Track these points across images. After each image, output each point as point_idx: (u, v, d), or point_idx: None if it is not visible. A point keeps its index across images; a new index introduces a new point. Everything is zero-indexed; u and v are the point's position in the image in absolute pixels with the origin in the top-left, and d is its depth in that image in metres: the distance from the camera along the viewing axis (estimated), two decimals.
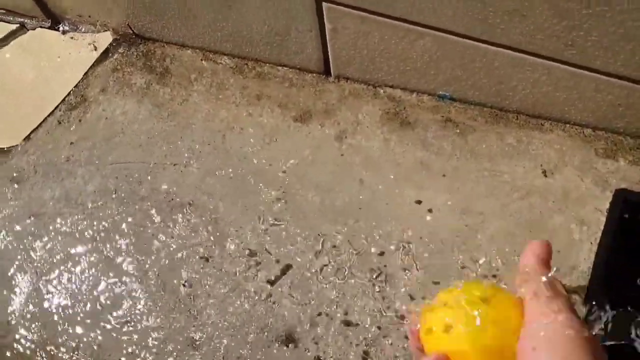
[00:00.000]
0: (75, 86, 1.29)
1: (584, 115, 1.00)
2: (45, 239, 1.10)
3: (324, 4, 0.98)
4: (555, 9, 0.81)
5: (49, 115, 1.27)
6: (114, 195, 1.13)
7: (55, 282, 1.05)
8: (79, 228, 1.10)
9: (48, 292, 1.04)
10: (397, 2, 0.92)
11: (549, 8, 0.81)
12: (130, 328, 0.98)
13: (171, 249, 1.04)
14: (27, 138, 1.25)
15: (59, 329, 1.00)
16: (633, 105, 0.93)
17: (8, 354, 0.99)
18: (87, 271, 1.05)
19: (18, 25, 1.42)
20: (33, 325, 1.01)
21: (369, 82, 1.13)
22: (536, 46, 0.90)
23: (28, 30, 1.41)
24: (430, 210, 1.00)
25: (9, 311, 1.03)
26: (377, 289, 0.94)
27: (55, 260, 1.07)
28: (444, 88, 1.07)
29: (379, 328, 0.91)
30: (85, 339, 0.98)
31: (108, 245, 1.07)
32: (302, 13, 1.02)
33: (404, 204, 1.01)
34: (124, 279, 1.03)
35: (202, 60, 1.26)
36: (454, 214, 0.99)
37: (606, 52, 0.85)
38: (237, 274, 1.00)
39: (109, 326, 0.99)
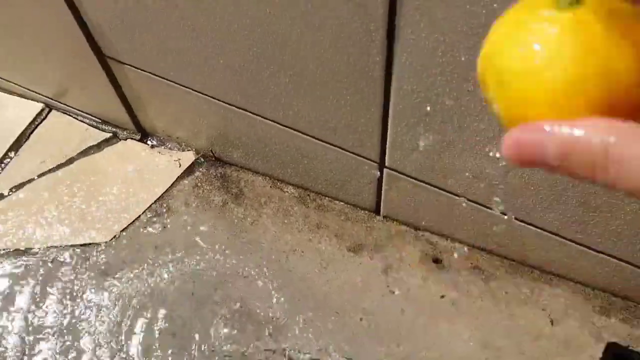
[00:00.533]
0: (161, 196, 1.53)
1: (586, 278, 1.25)
2: (130, 328, 1.32)
3: (385, 169, 1.24)
4: (584, 200, 1.07)
5: (136, 219, 1.51)
6: (191, 297, 1.36)
7: None
8: (160, 323, 1.32)
9: None
10: (447, 179, 1.18)
11: (576, 200, 1.08)
12: None
13: (240, 351, 1.26)
14: (115, 237, 1.48)
15: None
16: (624, 277, 1.18)
17: None
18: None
19: (111, 134, 1.67)
20: None
21: (412, 225, 1.38)
22: (555, 228, 1.16)
23: (120, 139, 1.66)
24: (457, 344, 1.23)
25: None
26: None
27: (134, 349, 1.29)
28: (471, 240, 1.32)
29: None
30: None
31: (181, 341, 1.29)
32: (365, 172, 1.28)
33: (437, 335, 1.24)
34: None
35: (270, 187, 1.51)
36: (477, 346, 1.23)
37: (603, 235, 1.11)
38: None
39: None
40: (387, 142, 1.17)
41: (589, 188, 1.03)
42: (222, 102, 1.32)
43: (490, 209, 1.20)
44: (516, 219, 1.19)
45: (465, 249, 1.34)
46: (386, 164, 1.23)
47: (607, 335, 1.21)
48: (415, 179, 1.22)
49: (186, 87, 1.34)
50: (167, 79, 1.34)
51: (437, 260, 1.34)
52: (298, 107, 1.21)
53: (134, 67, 1.37)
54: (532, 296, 1.28)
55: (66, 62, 1.49)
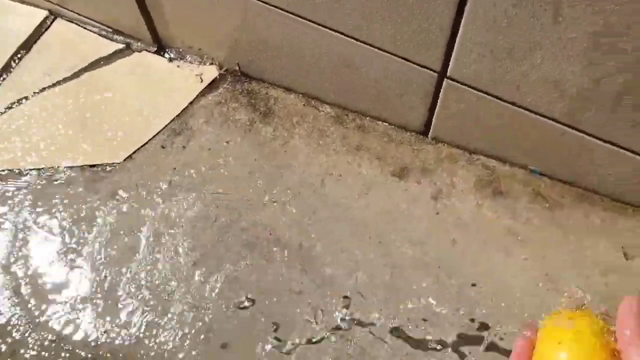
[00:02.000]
0: (180, 114, 1.37)
1: None
2: (143, 255, 1.18)
3: (445, 80, 1.08)
4: None
5: (152, 138, 1.35)
6: (214, 223, 1.21)
7: (149, 300, 1.13)
8: (177, 249, 1.18)
9: (135, 311, 1.12)
10: (508, 87, 1.01)
11: None
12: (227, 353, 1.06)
13: (266, 281, 1.12)
14: (130, 158, 1.33)
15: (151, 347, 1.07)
16: None
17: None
18: (179, 292, 1.13)
19: (124, 45, 1.50)
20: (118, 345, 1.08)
21: (465, 148, 1.23)
22: (631, 143, 1.00)
23: (133, 52, 1.49)
24: (515, 276, 1.09)
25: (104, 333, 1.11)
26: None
27: (152, 279, 1.15)
28: (535, 163, 1.17)
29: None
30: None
31: (202, 270, 1.15)
32: (421, 84, 1.12)
33: (491, 266, 1.10)
34: (210, 305, 1.11)
35: (304, 105, 1.35)
36: (537, 279, 1.08)
37: None
38: (330, 313, 1.08)
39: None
40: (455, 48, 1.01)
41: None
42: None
43: (563, 124, 1.04)
44: (589, 134, 1.03)
45: (525, 173, 1.19)
46: (448, 74, 1.07)
47: None
48: (480, 90, 1.06)
49: None
50: None
51: (494, 186, 1.19)
52: (348, 5, 1.04)
53: None
54: (603, 227, 1.13)
55: None
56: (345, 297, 1.10)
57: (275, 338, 1.06)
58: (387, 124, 1.29)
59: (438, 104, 1.14)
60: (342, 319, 1.07)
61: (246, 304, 1.11)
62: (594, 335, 0.45)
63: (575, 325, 0.46)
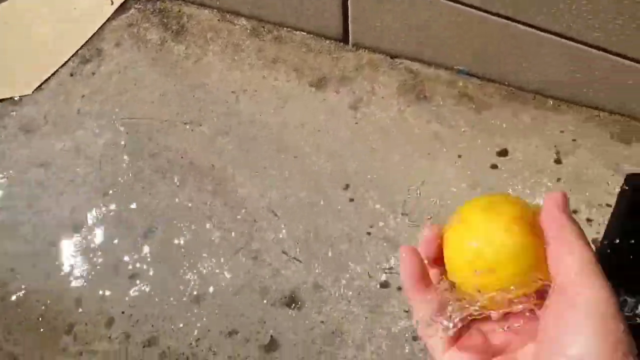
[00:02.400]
0: (90, 39, 1.28)
1: (601, 98, 0.99)
2: (53, 188, 1.10)
3: None
4: None
5: (61, 67, 1.26)
6: (124, 150, 1.13)
7: (61, 231, 1.05)
8: (87, 179, 1.10)
9: (53, 243, 1.04)
10: None
11: None
12: (137, 282, 0.99)
13: (175, 205, 1.05)
14: (39, 88, 1.24)
15: (63, 282, 1.00)
16: None
17: (13, 298, 0.99)
18: (92, 222, 1.05)
19: None
20: (36, 273, 1.02)
21: (387, 53, 1.12)
22: (561, 27, 0.89)
23: None
24: (439, 183, 1.00)
25: (13, 259, 1.04)
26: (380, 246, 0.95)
27: (62, 210, 1.07)
28: (462, 63, 1.07)
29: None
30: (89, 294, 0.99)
31: (114, 198, 1.07)
32: None
33: (415, 175, 1.01)
34: (128, 232, 1.03)
35: (219, 20, 1.24)
36: (464, 187, 1.00)
37: (629, 37, 0.84)
38: (242, 235, 1.00)
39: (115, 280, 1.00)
40: None
41: None
42: None
43: (489, 12, 0.93)
44: (515, 20, 0.93)
45: (452, 74, 1.09)
46: None
47: (627, 165, 0.97)
48: None
49: None
50: None
51: (417, 91, 1.09)
52: None
53: None
54: (533, 126, 1.03)
55: None
56: (257, 219, 1.01)
57: (187, 264, 0.99)
58: (304, 33, 1.18)
59: (349, 2, 1.04)
60: (254, 240, 0.99)
61: (158, 232, 1.03)
62: (510, 204, 0.37)
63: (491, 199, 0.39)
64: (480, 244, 0.36)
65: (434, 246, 0.39)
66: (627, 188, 0.96)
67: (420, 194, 0.99)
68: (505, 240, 0.35)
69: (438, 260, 0.39)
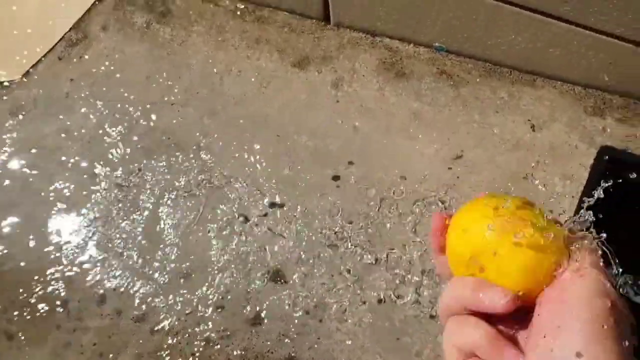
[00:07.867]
0: (77, 23, 1.29)
1: (576, 73, 1.01)
2: (45, 171, 1.13)
3: None
4: None
5: (49, 51, 1.28)
6: (112, 131, 1.15)
7: (53, 212, 1.08)
8: (77, 161, 1.13)
9: (45, 224, 1.08)
10: None
11: None
12: (128, 259, 1.02)
13: (162, 188, 1.07)
14: (27, 73, 1.26)
15: (57, 262, 1.04)
16: (624, 64, 0.95)
17: (8, 278, 1.03)
18: (83, 202, 1.08)
19: None
20: (30, 253, 1.05)
21: (368, 31, 1.14)
22: (536, 2, 0.91)
23: None
24: (419, 159, 1.03)
25: (6, 240, 1.07)
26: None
27: (53, 192, 1.10)
28: (440, 40, 1.08)
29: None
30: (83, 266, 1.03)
31: (103, 179, 1.10)
32: None
33: (396, 152, 1.04)
34: (115, 211, 1.06)
35: (203, 1, 1.26)
36: (444, 162, 1.02)
37: (600, 9, 0.86)
38: (227, 213, 1.03)
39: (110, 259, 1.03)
40: None
41: None
42: None
43: None
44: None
45: (430, 52, 1.11)
46: None
47: (601, 138, 1.00)
48: None
49: None
50: None
51: (397, 68, 1.11)
52: None
53: None
54: (510, 101, 1.05)
55: None
56: (242, 197, 1.04)
57: (177, 240, 1.02)
58: (287, 12, 1.20)
59: None
60: (239, 217, 1.02)
61: (145, 212, 1.06)
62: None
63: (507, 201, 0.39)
64: (473, 253, 0.38)
65: (440, 239, 0.42)
66: (600, 159, 0.99)
67: (400, 171, 1.02)
68: (507, 253, 0.37)
69: (444, 249, 0.42)
